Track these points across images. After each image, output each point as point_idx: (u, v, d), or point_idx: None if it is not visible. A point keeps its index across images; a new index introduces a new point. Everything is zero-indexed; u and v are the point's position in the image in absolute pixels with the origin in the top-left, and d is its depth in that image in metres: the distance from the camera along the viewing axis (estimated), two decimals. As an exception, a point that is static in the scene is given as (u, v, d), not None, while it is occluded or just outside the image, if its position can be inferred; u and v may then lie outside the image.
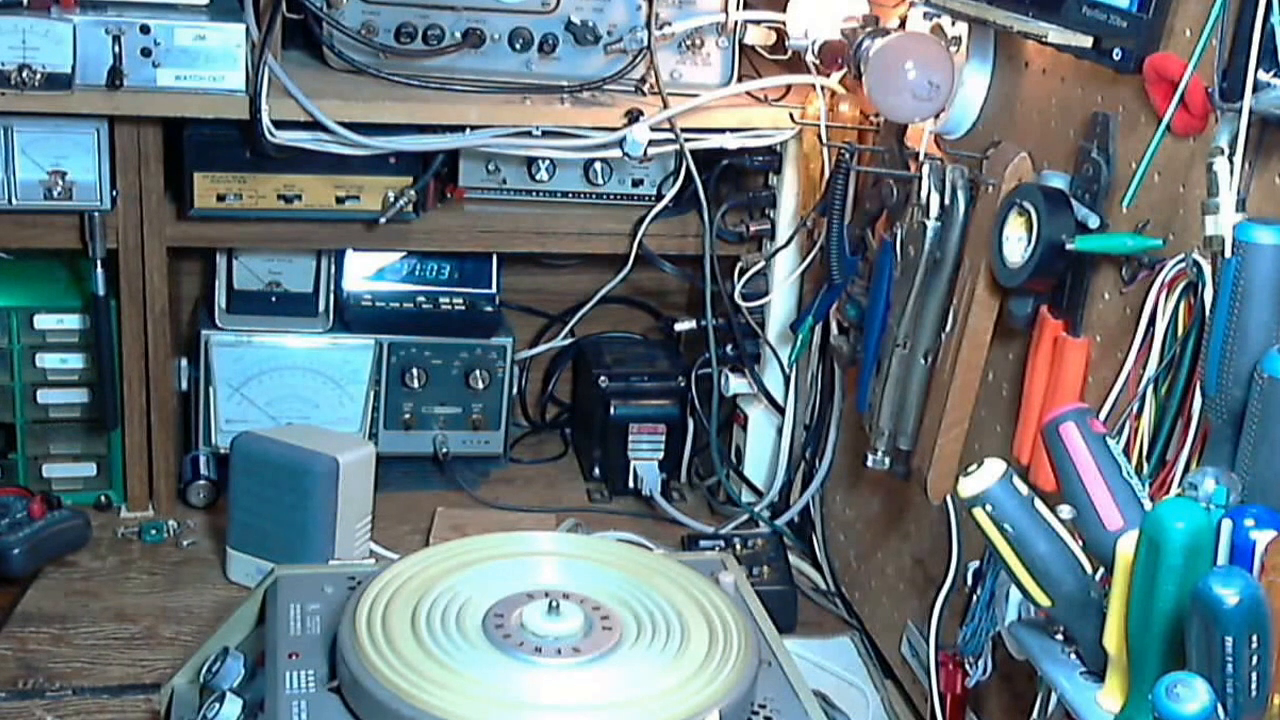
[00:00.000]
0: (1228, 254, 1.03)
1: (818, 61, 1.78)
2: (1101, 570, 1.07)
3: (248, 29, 1.72)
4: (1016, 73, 1.46)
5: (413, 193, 1.86)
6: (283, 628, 1.32)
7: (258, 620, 1.41)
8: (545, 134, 1.84)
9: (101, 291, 1.82)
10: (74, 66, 1.66)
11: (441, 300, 2.03)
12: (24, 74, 1.64)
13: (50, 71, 1.65)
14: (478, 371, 2.06)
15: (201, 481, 1.96)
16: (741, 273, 1.99)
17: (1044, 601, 1.08)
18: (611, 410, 2.09)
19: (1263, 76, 1.03)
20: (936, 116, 1.54)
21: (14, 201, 1.75)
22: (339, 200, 1.86)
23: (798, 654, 1.41)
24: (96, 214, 1.78)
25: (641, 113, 1.84)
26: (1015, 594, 1.31)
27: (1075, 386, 1.31)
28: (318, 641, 1.29)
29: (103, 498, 1.94)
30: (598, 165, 1.98)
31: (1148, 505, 1.05)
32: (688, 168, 1.91)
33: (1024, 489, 1.07)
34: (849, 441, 1.86)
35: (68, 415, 1.91)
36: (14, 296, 1.88)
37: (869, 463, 1.62)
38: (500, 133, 1.83)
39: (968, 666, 1.45)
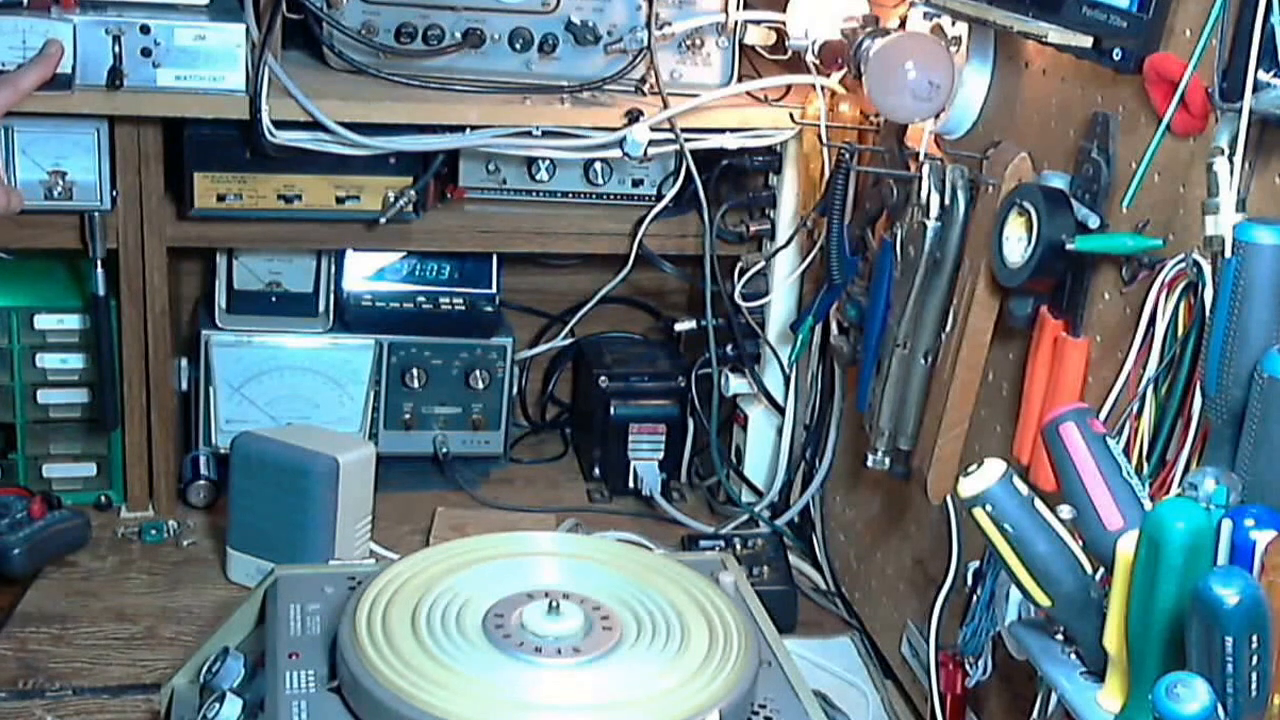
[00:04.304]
0: (1228, 254, 1.03)
1: (818, 61, 1.78)
2: (1101, 570, 1.07)
3: (248, 29, 1.72)
4: (1016, 73, 1.46)
5: (413, 193, 1.86)
6: (283, 628, 1.32)
7: (258, 620, 1.41)
8: (545, 134, 1.84)
9: (101, 291, 1.82)
10: (74, 66, 1.66)
11: (441, 300, 2.03)
12: (24, 74, 1.65)
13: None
14: (478, 371, 2.06)
15: (201, 481, 1.96)
16: (741, 273, 1.99)
17: (1044, 601, 1.08)
18: (611, 410, 2.09)
19: (1263, 76, 1.03)
20: (936, 116, 1.54)
21: (14, 201, 1.75)
22: (339, 200, 1.86)
23: (798, 654, 1.41)
24: (96, 214, 1.78)
25: (641, 113, 1.84)
26: (1015, 594, 1.31)
27: (1075, 386, 1.31)
28: (318, 641, 1.29)
29: (103, 498, 1.94)
30: (598, 165, 1.98)
31: (1148, 505, 1.05)
32: (688, 168, 1.91)
33: (1024, 489, 1.07)
34: (849, 441, 1.86)
35: (68, 415, 1.91)
36: (14, 296, 1.88)
37: (869, 463, 1.62)
38: (500, 133, 1.83)
39: (968, 666, 1.45)
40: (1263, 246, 1.00)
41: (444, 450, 2.07)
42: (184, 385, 1.99)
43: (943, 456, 1.51)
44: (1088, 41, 1.25)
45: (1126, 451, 1.16)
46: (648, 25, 1.87)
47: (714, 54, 1.93)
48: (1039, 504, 1.07)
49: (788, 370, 1.98)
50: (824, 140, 1.78)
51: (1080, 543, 1.08)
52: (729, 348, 2.02)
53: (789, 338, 1.94)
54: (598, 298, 2.20)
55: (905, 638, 1.69)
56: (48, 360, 1.88)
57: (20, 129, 1.72)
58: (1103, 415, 1.21)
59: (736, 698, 1.20)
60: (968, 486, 1.07)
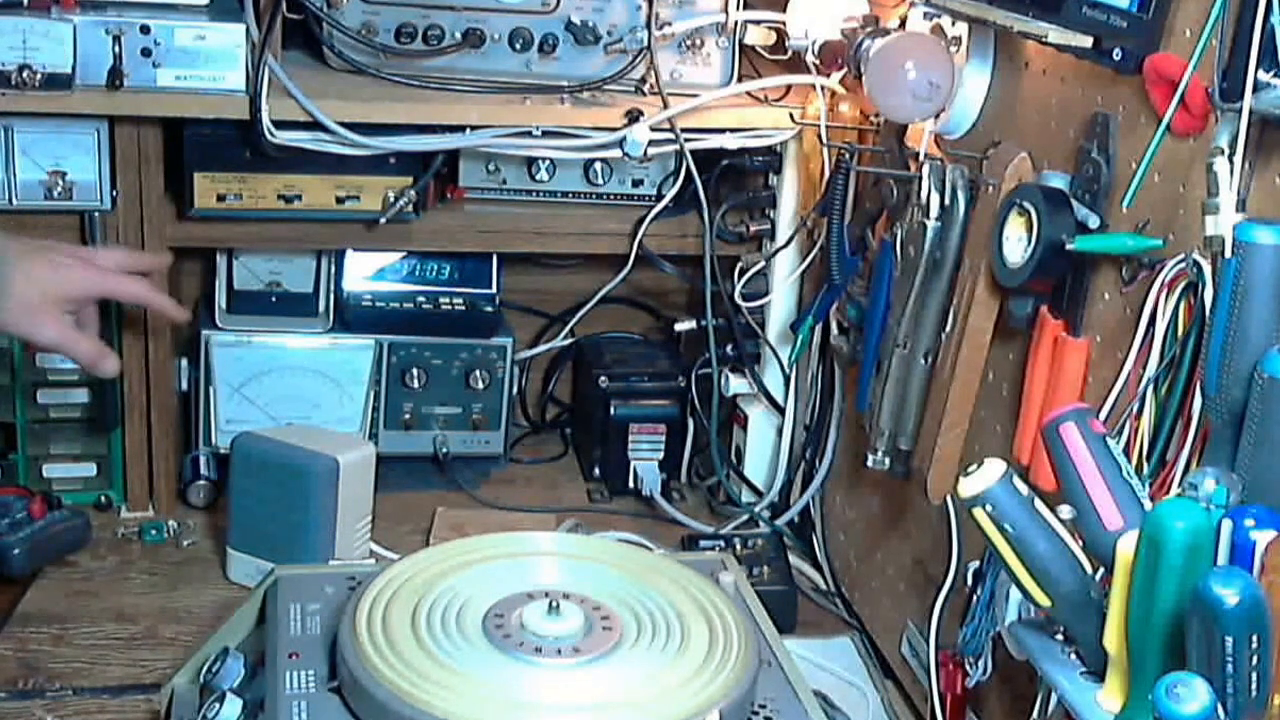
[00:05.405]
0: (1228, 254, 1.03)
1: (818, 61, 1.78)
2: (1101, 570, 1.07)
3: (248, 29, 1.72)
4: (1016, 73, 1.46)
5: (413, 193, 1.86)
6: (283, 628, 1.32)
7: (258, 620, 1.41)
8: (545, 134, 1.84)
9: (101, 291, 1.82)
10: (74, 66, 1.66)
11: (441, 300, 2.02)
12: (24, 74, 1.64)
13: (50, 71, 1.65)
14: (478, 371, 2.06)
15: (201, 481, 1.96)
16: (741, 273, 1.99)
17: (1044, 601, 1.08)
18: (611, 410, 2.09)
19: (1263, 76, 1.03)
20: (936, 116, 1.54)
21: (14, 201, 1.75)
22: (339, 200, 1.86)
23: (798, 654, 1.41)
24: (96, 214, 1.78)
25: (641, 113, 1.84)
26: (1015, 594, 1.31)
27: (1075, 386, 1.31)
28: (318, 641, 1.29)
29: (103, 498, 1.94)
30: (598, 165, 1.98)
31: (1148, 505, 1.05)
32: (688, 168, 1.91)
33: (1024, 489, 1.07)
34: (849, 441, 1.86)
35: (68, 415, 1.90)
36: (14, 296, 1.87)
37: (869, 463, 1.62)
38: (500, 133, 1.83)
39: (968, 666, 1.45)
40: (1263, 246, 1.00)
41: (444, 450, 2.07)
42: (184, 385, 1.99)
43: (943, 456, 1.51)
44: (1088, 41, 1.25)
45: (1126, 451, 1.16)
46: (648, 25, 1.87)
47: (714, 54, 1.93)
48: (1039, 504, 1.07)
49: (788, 370, 1.98)
50: (824, 140, 1.78)
51: (1080, 543, 1.08)
52: (729, 348, 2.02)
53: (789, 338, 1.94)
54: (598, 298, 2.20)
55: (905, 638, 1.69)
56: (48, 360, 1.87)
57: (20, 129, 1.72)
58: (1103, 415, 1.21)
59: (736, 698, 1.20)
60: (968, 486, 1.07)
